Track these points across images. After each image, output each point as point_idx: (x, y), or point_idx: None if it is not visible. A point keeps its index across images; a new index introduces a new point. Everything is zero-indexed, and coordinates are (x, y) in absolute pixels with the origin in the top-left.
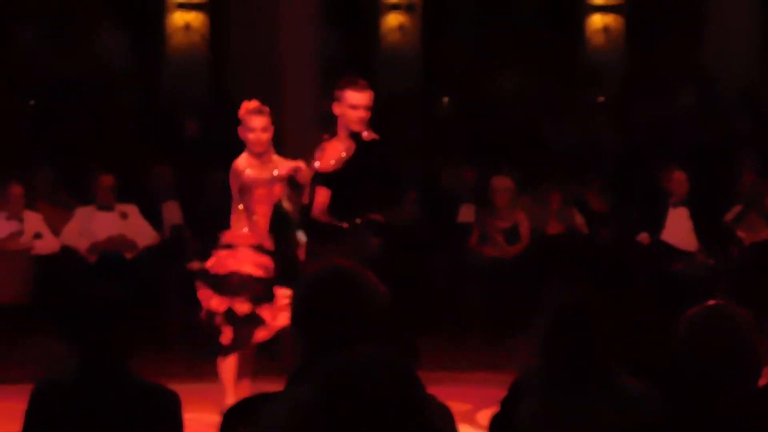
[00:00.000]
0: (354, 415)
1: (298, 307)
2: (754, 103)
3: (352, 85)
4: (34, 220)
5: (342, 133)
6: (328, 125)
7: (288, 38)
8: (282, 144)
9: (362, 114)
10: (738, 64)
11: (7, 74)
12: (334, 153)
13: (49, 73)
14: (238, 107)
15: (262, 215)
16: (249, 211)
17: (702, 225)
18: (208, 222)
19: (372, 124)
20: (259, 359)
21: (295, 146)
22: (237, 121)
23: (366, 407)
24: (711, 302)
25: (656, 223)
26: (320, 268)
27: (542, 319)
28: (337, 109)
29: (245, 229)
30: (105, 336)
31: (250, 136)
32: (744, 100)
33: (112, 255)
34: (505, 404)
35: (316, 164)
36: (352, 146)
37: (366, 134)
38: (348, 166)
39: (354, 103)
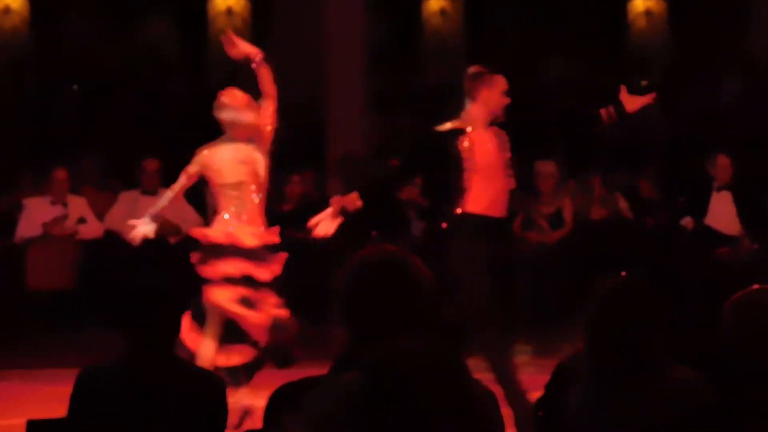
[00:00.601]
0: (402, 402)
1: (344, 292)
2: None
3: (498, 71)
4: (78, 205)
5: (485, 120)
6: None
7: (332, 23)
8: (327, 130)
9: (508, 99)
10: None
11: (55, 62)
12: (484, 142)
13: (96, 60)
14: (281, 92)
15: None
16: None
17: (746, 210)
18: None
19: (419, 109)
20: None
21: (340, 132)
22: (280, 107)
23: (414, 395)
24: (756, 287)
25: (700, 208)
26: (366, 253)
27: (590, 306)
28: (486, 94)
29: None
30: (151, 321)
31: None
32: None
33: (156, 240)
34: (550, 389)
35: (474, 156)
36: (501, 134)
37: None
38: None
39: (506, 88)
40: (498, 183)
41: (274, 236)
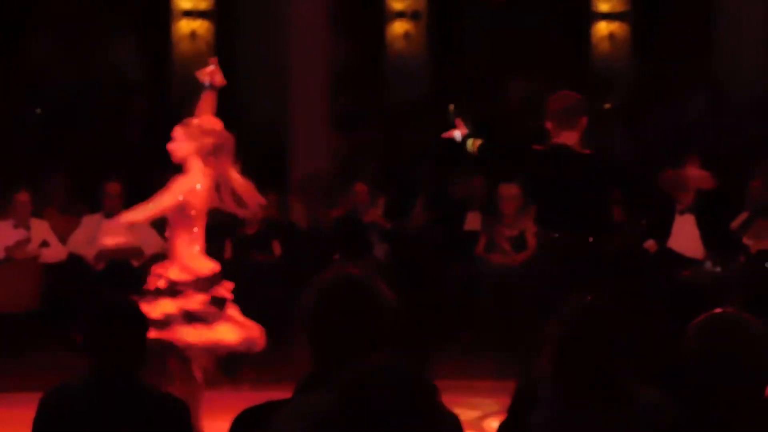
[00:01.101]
0: (375, 422)
1: (308, 315)
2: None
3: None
4: (40, 229)
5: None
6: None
7: (296, 46)
8: (291, 151)
9: None
10: (749, 69)
11: (18, 82)
12: None
13: (59, 82)
14: (245, 115)
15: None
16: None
17: (709, 232)
18: (214, 229)
19: (383, 131)
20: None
21: (303, 153)
22: (244, 129)
23: (385, 417)
24: (718, 310)
25: (663, 231)
26: (329, 275)
27: (556, 328)
28: (584, 122)
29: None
30: (114, 344)
31: None
32: (756, 106)
33: (119, 263)
34: (512, 412)
35: None
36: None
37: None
38: None
39: None
40: None
41: None
